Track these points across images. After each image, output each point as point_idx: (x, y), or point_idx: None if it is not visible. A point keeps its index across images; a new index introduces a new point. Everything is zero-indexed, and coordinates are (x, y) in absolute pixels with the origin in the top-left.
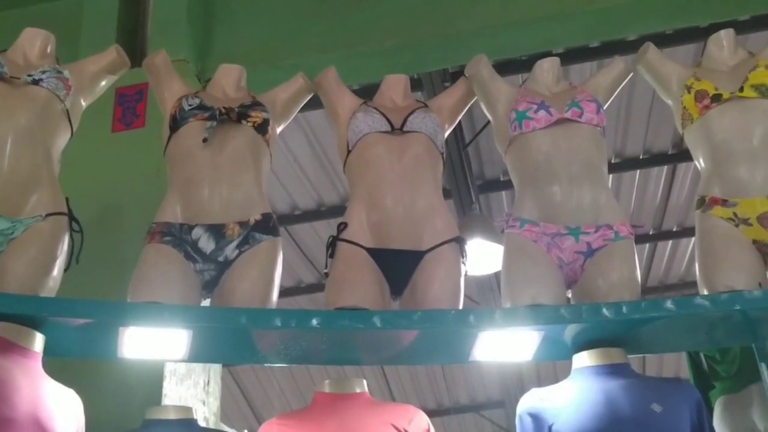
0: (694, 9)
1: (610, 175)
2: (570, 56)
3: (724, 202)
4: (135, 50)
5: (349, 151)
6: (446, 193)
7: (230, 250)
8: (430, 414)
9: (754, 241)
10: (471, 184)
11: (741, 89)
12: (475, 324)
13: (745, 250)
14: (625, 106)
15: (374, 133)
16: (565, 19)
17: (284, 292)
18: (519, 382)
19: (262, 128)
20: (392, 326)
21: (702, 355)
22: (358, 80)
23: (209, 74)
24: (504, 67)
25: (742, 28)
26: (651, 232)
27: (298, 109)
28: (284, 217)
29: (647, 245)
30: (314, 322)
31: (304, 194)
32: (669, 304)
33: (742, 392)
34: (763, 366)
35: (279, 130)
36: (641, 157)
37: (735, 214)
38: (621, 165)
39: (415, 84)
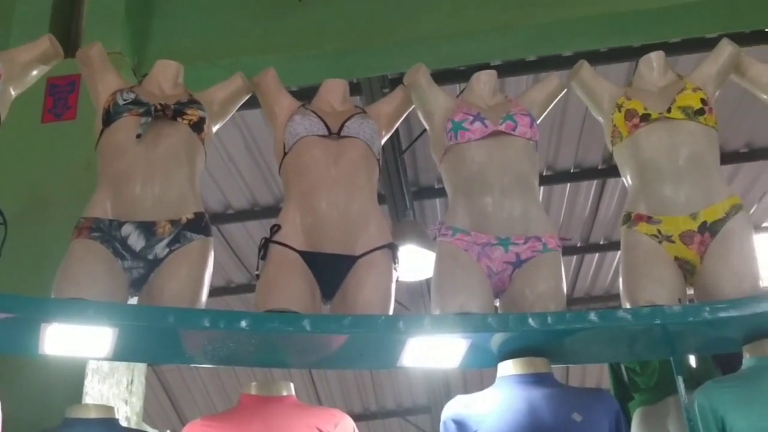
0: (628, 29)
1: (542, 187)
2: (507, 68)
3: (649, 219)
4: (69, 40)
5: (285, 153)
6: (381, 199)
7: (160, 249)
8: (356, 418)
9: (676, 258)
10: (406, 191)
11: (669, 110)
12: (404, 330)
13: (667, 266)
14: (558, 120)
15: (311, 136)
16: (503, 32)
17: (214, 292)
18: (446, 388)
19: (197, 127)
20: (322, 330)
21: (623, 367)
22: (297, 82)
23: (146, 69)
24: (442, 76)
25: (672, 49)
26: (579, 245)
27: (236, 108)
28: (217, 216)
29: (575, 257)
30: (243, 323)
31: (238, 194)
32: (592, 316)
33: (660, 404)
34: (680, 379)
35: (215, 129)
36: (572, 170)
37: (659, 231)
38: (552, 178)
39: (355, 89)
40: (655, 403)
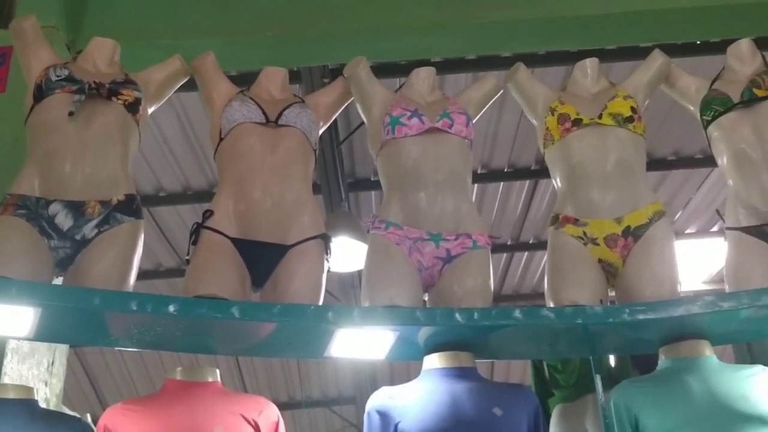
0: (566, 34)
1: (476, 185)
2: (448, 65)
3: (576, 222)
4: (2, 12)
5: (221, 139)
6: (316, 189)
7: (89, 229)
8: (282, 407)
9: (600, 260)
10: (342, 182)
11: (600, 116)
12: (333, 321)
13: (591, 268)
14: (495, 119)
15: (248, 123)
16: (442, 30)
17: (142, 275)
18: (372, 379)
19: (132, 107)
20: (250, 318)
21: (545, 364)
22: (236, 67)
23: (81, 45)
24: (383, 69)
25: (608, 56)
26: (509, 243)
27: (172, 91)
28: (148, 198)
29: (504, 255)
30: (171, 308)
31: (171, 176)
32: (517, 313)
33: (578, 401)
34: (598, 378)
35: (150, 110)
36: (506, 170)
37: (585, 233)
38: (487, 176)
39: (294, 76)
40: (574, 400)
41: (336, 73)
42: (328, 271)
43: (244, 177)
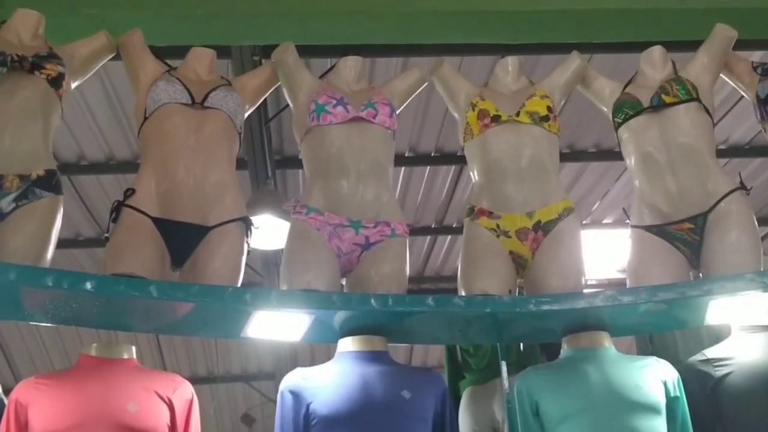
0: (491, 29)
1: (403, 168)
2: (378, 50)
3: (490, 214)
4: None
5: (145, 118)
6: (242, 164)
7: (6, 203)
8: (200, 381)
9: (511, 252)
10: (269, 159)
11: (518, 114)
12: (250, 302)
13: (502, 259)
14: (423, 103)
15: (174, 103)
16: (373, 17)
17: (61, 244)
18: (293, 357)
19: (56, 82)
20: (168, 297)
21: (459, 348)
22: (164, 42)
23: (4, 17)
24: (312, 51)
25: (533, 50)
26: (433, 226)
27: (98, 66)
28: (69, 167)
29: (428, 237)
30: (88, 285)
31: (94, 145)
32: (429, 300)
33: (488, 385)
34: (503, 364)
35: (74, 85)
36: (433, 154)
37: (498, 226)
38: (414, 159)
39: (224, 52)
40: (483, 383)
41: (268, 50)
42: (248, 253)
43: (168, 157)
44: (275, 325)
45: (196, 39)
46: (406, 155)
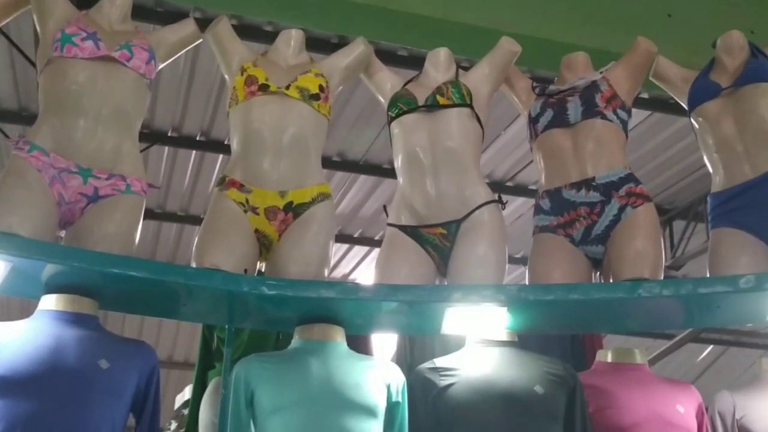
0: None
1: (166, 147)
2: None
3: (241, 187)
4: None
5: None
6: None
7: None
8: None
9: (257, 230)
10: None
11: (288, 87)
12: None
13: (245, 236)
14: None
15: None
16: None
17: None
18: None
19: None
20: None
21: (216, 336)
22: None
23: None
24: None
25: None
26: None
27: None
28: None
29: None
30: None
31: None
32: (149, 265)
33: None
34: (228, 351)
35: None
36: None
37: (247, 201)
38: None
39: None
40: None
41: None
42: None
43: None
44: None
45: None
46: (171, 135)
